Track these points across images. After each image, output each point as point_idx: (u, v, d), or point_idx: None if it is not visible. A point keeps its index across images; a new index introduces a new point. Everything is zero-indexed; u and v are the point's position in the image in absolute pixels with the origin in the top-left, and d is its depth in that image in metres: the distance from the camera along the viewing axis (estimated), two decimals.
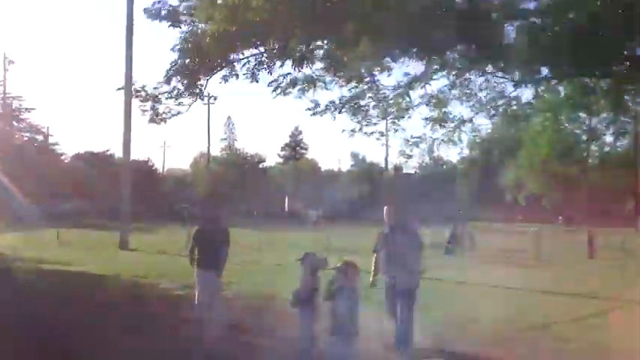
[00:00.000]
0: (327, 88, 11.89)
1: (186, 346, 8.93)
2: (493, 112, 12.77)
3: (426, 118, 12.75)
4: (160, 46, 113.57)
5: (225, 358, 8.26)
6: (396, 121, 12.87)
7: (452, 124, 13.08)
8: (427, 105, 12.43)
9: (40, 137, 71.58)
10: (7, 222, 35.51)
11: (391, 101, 12.31)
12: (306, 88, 11.81)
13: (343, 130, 12.83)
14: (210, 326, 9.65)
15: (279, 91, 11.81)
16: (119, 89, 14.68)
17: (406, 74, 11.57)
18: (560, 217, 54.51)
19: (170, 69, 11.86)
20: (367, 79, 11.88)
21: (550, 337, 9.68)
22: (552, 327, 10.47)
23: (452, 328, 9.91)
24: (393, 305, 8.35)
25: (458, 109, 14.93)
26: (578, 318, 11.24)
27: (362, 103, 12.39)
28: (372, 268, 8.73)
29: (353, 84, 12.01)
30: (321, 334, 7.38)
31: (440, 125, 12.91)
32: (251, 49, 11.51)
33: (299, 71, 11.52)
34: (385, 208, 8.72)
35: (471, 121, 13.31)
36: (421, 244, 8.65)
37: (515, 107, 12.71)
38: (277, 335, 9.44)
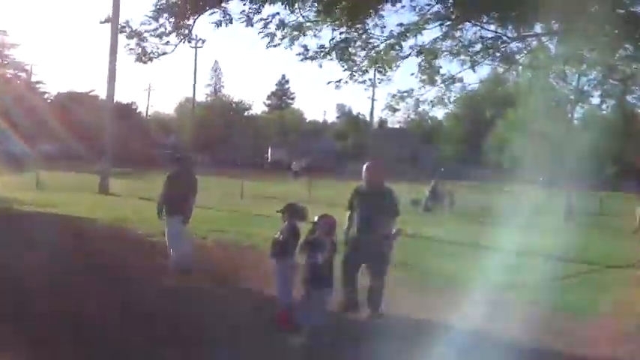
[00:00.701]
0: (316, 36, 11.57)
1: (143, 289, 8.95)
2: (483, 63, 12.47)
3: (414, 74, 12.49)
4: None
5: (181, 305, 8.22)
6: (384, 71, 12.55)
7: (442, 84, 12.87)
8: (417, 56, 12.13)
9: (23, 74, 70.50)
10: None
11: (381, 51, 12.01)
12: (295, 36, 11.50)
13: (329, 82, 12.48)
14: (176, 270, 10.02)
15: (268, 38, 11.45)
16: (103, 22, 14.08)
17: (399, 24, 11.31)
18: (541, 178, 54.91)
19: (157, 3, 11.44)
20: (358, 25, 11.55)
21: (518, 298, 9.72)
22: (520, 288, 10.50)
23: (417, 287, 9.91)
24: (352, 269, 8.05)
25: (448, 67, 14.71)
26: (547, 279, 11.30)
27: (352, 51, 12.06)
28: (346, 226, 8.30)
29: (344, 30, 11.69)
30: (296, 286, 7.36)
31: (430, 84, 12.67)
32: None
33: (291, 11, 11.16)
34: (365, 165, 8.35)
35: (461, 80, 13.13)
36: (396, 206, 8.24)
37: (506, 59, 12.41)
38: (240, 284, 9.49)
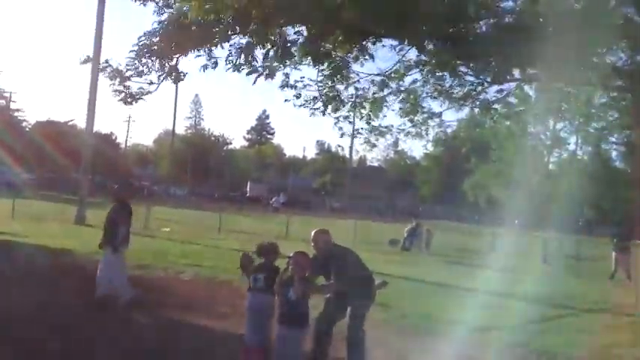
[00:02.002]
0: (297, 68, 11.70)
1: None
2: (463, 108, 12.73)
3: (396, 110, 12.69)
4: (132, 18, 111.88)
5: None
6: (370, 119, 12.75)
7: (421, 117, 13.06)
8: (399, 101, 12.35)
9: (2, 102, 70.11)
10: None
11: (366, 100, 12.23)
12: (275, 68, 11.59)
13: (310, 115, 12.67)
14: (116, 301, 9.90)
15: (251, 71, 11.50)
16: (83, 62, 13.99)
17: (379, 74, 11.55)
18: (516, 221, 55.47)
19: (140, 44, 11.44)
20: (343, 71, 11.72)
21: (496, 341, 9.73)
22: (498, 330, 10.53)
23: (397, 329, 9.86)
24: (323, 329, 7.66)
25: (428, 106, 14.94)
26: (525, 322, 11.34)
27: (337, 97, 12.25)
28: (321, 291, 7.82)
29: (329, 82, 11.89)
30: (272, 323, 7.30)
31: (409, 118, 12.86)
32: (230, 38, 11.17)
33: (283, 62, 11.26)
34: (312, 233, 7.81)
35: (440, 115, 13.33)
36: (353, 263, 7.71)
37: (484, 106, 12.65)
38: (215, 320, 9.38)
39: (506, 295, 14.39)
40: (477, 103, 12.37)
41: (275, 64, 11.40)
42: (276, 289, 7.09)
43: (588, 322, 12.13)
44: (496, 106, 12.56)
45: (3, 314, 8.44)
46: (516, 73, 11.47)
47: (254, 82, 11.04)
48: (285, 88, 11.71)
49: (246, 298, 7.36)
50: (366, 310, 7.60)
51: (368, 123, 12.65)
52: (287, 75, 11.59)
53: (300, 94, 11.91)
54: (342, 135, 12.88)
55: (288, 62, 11.28)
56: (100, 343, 7.66)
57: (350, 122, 12.70)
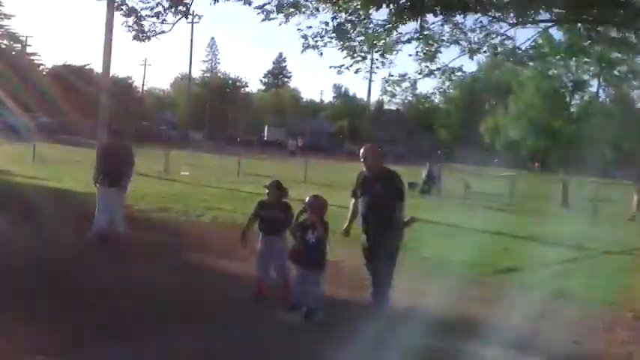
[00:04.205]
0: (313, 14, 11.44)
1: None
2: (483, 52, 12.41)
3: (412, 55, 12.38)
4: None
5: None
6: (384, 55, 12.44)
7: (440, 74, 12.80)
8: (416, 41, 12.01)
9: (18, 46, 69.93)
10: None
11: (378, 32, 11.90)
12: (290, 12, 11.39)
13: (330, 67, 12.32)
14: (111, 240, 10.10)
15: (263, 14, 11.34)
16: None
17: (396, 3, 11.21)
18: (536, 164, 55.23)
19: None
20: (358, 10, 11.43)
21: (513, 282, 9.77)
22: (517, 272, 10.56)
23: (417, 272, 9.82)
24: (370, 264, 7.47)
25: (447, 55, 14.35)
26: (544, 264, 11.36)
27: (351, 34, 11.94)
28: (349, 214, 7.68)
29: (342, 15, 11.59)
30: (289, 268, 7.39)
31: (426, 65, 12.57)
32: None
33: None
34: (363, 148, 7.46)
35: (460, 69, 13.06)
36: (399, 190, 7.35)
37: (506, 49, 12.34)
38: (235, 262, 9.45)
39: (526, 238, 14.40)
40: (498, 42, 12.05)
41: (291, 10, 11.26)
42: (291, 232, 7.16)
43: (607, 264, 12.13)
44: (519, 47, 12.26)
45: (30, 258, 8.56)
46: (539, 13, 11.17)
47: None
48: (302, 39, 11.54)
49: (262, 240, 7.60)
50: (399, 241, 7.42)
51: (382, 56, 12.34)
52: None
53: (306, 35, 11.67)
54: (356, 71, 12.45)
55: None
56: (117, 283, 7.73)
57: (364, 57, 12.37)
